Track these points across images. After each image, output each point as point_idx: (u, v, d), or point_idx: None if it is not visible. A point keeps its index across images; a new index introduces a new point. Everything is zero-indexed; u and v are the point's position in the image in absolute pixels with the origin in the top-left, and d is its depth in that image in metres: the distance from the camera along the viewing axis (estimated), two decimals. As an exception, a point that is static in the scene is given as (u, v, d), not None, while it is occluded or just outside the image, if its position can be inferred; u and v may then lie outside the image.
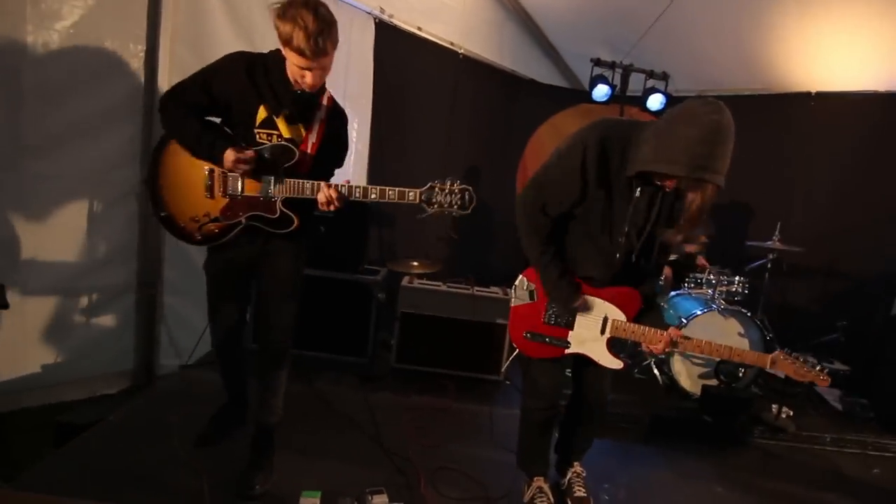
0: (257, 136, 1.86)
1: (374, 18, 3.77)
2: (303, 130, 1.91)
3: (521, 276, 2.00)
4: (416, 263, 3.48)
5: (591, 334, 1.90)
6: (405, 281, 3.31)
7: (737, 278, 3.51)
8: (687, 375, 3.34)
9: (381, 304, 3.27)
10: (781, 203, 4.18)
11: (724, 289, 3.48)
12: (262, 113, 1.84)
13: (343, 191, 1.82)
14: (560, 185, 1.75)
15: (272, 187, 1.86)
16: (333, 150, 2.02)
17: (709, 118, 1.47)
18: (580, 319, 1.91)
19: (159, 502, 1.84)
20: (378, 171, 4.02)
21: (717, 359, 3.20)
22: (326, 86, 1.91)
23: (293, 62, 1.72)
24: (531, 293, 1.96)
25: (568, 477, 2.21)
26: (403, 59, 4.00)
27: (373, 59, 3.83)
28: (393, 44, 3.89)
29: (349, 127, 3.78)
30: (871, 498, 2.57)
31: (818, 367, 1.84)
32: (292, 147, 1.85)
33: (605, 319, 1.88)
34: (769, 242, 3.59)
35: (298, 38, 1.63)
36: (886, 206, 3.89)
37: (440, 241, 4.40)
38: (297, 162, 1.86)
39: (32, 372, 2.60)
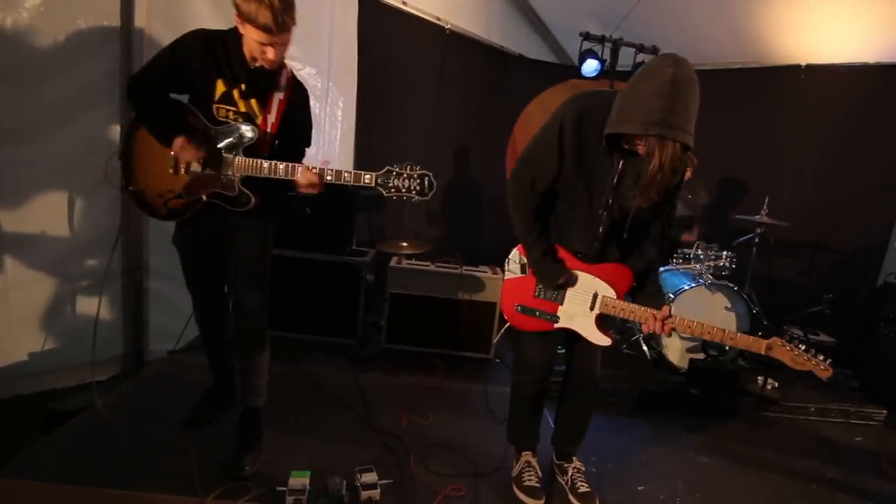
0: (216, 112, 1.87)
1: (358, -8, 3.67)
2: (256, 106, 1.90)
3: (514, 250, 2.01)
4: (404, 244, 3.46)
5: (580, 310, 1.90)
6: (394, 261, 3.30)
7: (724, 253, 3.51)
8: (675, 350, 3.38)
9: (370, 284, 3.26)
10: (770, 177, 4.18)
11: (711, 263, 3.49)
12: (220, 87, 1.85)
13: (314, 172, 1.82)
14: (543, 160, 1.75)
15: (230, 165, 1.87)
16: (297, 126, 2.01)
17: (664, 71, 1.41)
18: (570, 295, 1.91)
19: (149, 485, 1.84)
20: (365, 150, 3.96)
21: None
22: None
23: (255, 39, 1.73)
24: (523, 267, 1.96)
25: (570, 474, 2.11)
26: (388, 34, 3.90)
27: (357, 35, 3.73)
28: (377, 19, 3.79)
29: (335, 107, 3.79)
30: (853, 464, 2.63)
31: (821, 357, 1.69)
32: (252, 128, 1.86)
33: (595, 296, 1.88)
34: (757, 217, 3.59)
35: (264, 16, 1.66)
36: (874, 178, 3.89)
37: (429, 222, 4.37)
38: (256, 142, 1.87)
39: (20, 360, 2.58)
